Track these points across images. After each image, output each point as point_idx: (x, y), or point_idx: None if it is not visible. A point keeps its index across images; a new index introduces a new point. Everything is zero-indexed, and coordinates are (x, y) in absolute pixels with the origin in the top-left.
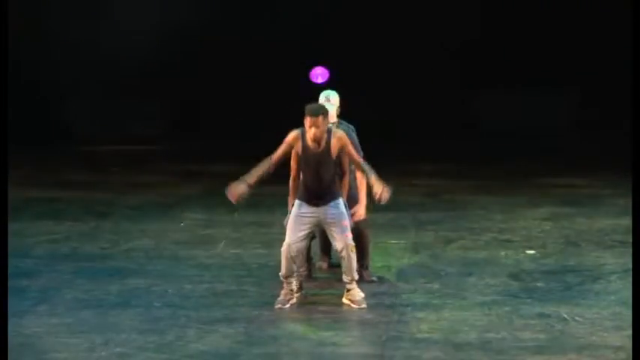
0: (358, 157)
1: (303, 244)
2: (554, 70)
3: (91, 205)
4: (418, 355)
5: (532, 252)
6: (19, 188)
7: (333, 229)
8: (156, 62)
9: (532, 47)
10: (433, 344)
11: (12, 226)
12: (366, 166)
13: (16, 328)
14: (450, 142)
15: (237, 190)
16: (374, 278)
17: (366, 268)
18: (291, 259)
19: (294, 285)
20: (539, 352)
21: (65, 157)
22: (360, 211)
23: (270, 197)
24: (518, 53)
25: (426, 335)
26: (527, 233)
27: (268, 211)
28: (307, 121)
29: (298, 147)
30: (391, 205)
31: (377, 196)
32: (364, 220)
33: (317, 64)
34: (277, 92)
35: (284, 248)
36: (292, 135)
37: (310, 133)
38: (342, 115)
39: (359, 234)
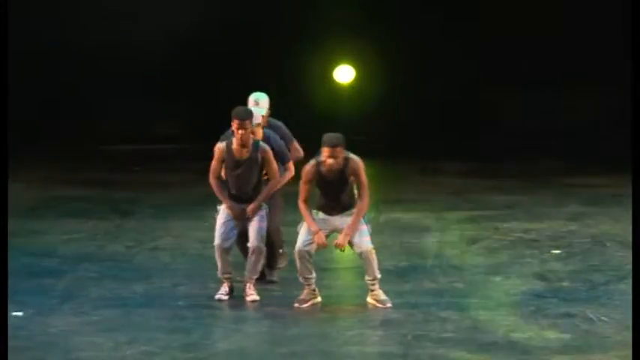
0: (366, 189)
1: (313, 246)
2: (577, 69)
3: (116, 204)
4: (443, 354)
5: (557, 252)
6: (44, 187)
7: (355, 238)
8: (179, 61)
9: (555, 46)
10: (458, 344)
11: (37, 225)
12: (364, 201)
13: (41, 326)
14: (475, 141)
15: (322, 240)
16: (274, 279)
17: (273, 268)
18: (306, 261)
19: (315, 285)
20: (564, 352)
21: (89, 155)
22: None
23: (291, 196)
24: (544, 52)
25: (452, 335)
26: (553, 233)
27: (291, 211)
28: (325, 151)
29: (315, 179)
30: (416, 205)
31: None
32: (274, 223)
33: (342, 62)
34: (300, 92)
35: (296, 251)
36: (308, 172)
37: (327, 163)
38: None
39: (269, 238)
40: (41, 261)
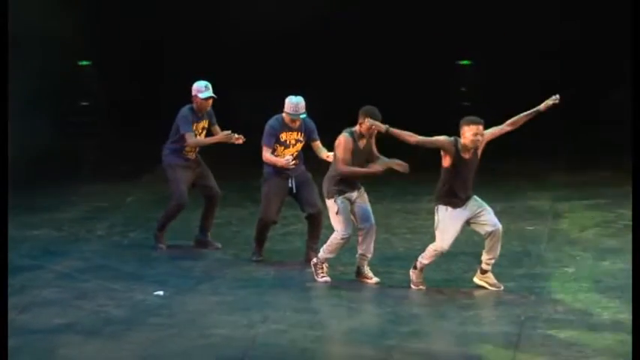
0: None
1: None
2: None
3: (249, 192)
4: (554, 334)
5: None
6: None
7: (483, 216)
8: (317, 50)
9: None
10: (568, 324)
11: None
12: None
13: (181, 305)
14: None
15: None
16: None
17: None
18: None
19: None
20: None
21: (225, 146)
22: None
23: (415, 185)
24: None
25: (562, 316)
26: None
27: (414, 200)
28: (473, 129)
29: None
30: (530, 194)
31: None
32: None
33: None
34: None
35: (441, 250)
36: (445, 142)
37: (476, 141)
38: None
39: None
40: (180, 244)
